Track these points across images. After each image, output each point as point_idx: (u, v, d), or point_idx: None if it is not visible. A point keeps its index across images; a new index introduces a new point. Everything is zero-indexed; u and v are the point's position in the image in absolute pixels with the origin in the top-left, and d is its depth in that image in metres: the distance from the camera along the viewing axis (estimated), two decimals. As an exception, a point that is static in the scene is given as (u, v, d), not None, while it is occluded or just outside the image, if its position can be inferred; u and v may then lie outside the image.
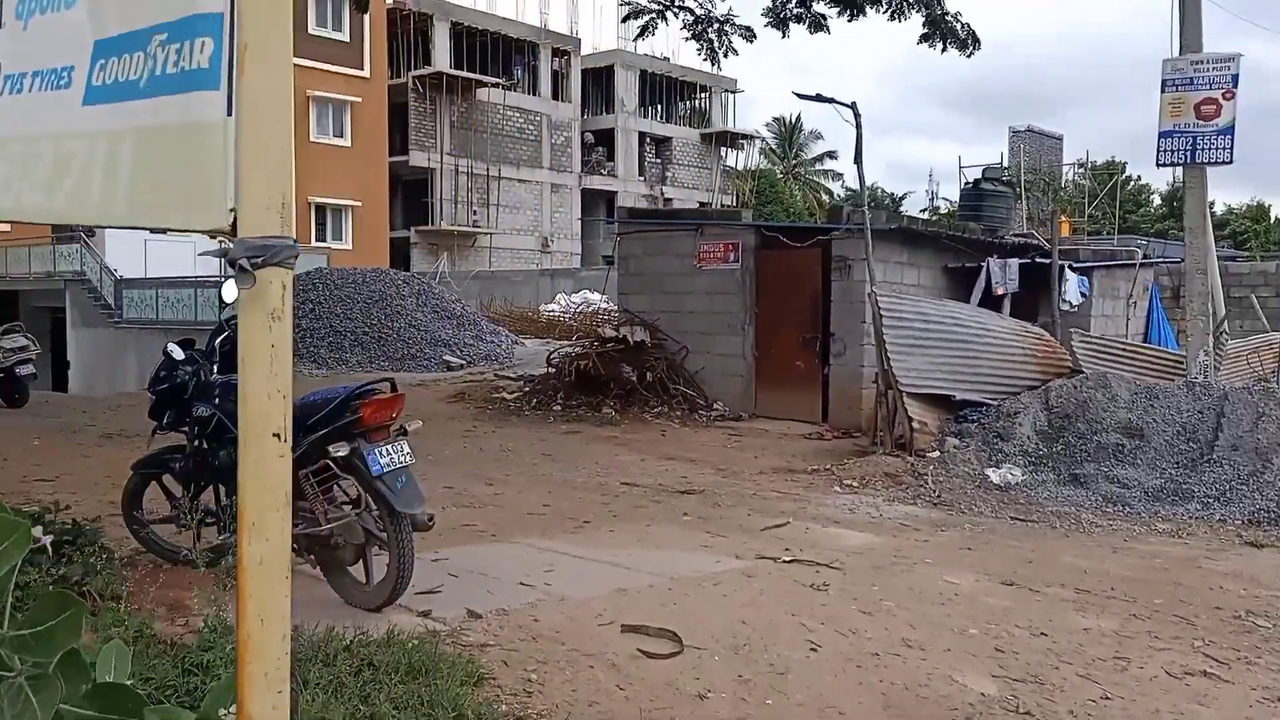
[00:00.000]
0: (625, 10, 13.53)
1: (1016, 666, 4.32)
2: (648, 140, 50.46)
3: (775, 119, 64.90)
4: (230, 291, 5.49)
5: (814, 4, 14.22)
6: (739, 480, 8.85)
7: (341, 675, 3.43)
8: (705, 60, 13.25)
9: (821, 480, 8.87)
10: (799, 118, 63.20)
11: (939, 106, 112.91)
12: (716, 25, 12.80)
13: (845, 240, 11.78)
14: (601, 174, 48.05)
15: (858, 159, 10.14)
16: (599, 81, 49.05)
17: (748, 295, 12.80)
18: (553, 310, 28.38)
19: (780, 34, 14.30)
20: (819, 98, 10.23)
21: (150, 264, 26.11)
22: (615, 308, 16.06)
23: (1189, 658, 4.48)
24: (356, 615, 4.50)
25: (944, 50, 13.45)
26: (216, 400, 5.01)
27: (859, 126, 10.07)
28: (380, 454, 4.40)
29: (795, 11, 14.17)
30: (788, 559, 5.97)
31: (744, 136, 53.99)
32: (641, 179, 49.47)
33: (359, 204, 32.53)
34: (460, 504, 7.37)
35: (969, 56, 13.44)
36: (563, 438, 10.88)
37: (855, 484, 8.64)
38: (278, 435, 1.45)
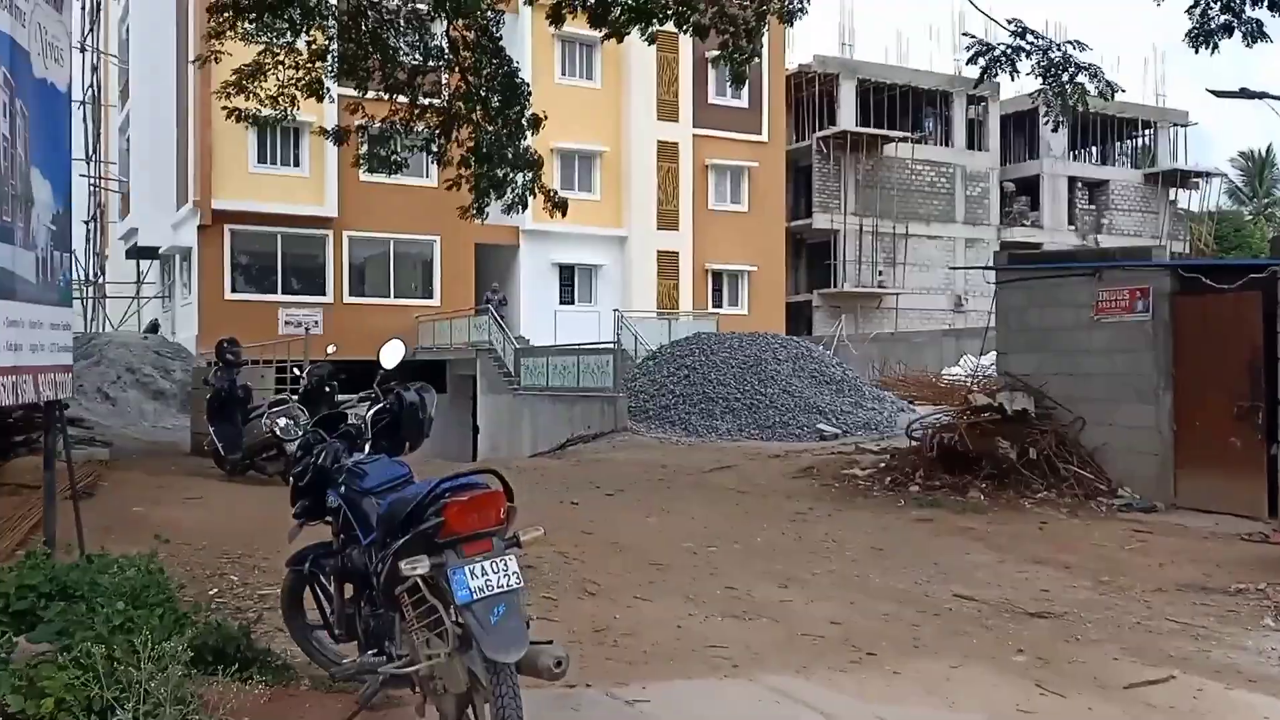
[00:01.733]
0: (968, 52, 11.66)
1: None
2: (1079, 185, 45.86)
3: (1240, 154, 56.51)
4: (392, 355, 4.68)
5: (1245, 9, 11.44)
6: (1123, 599, 6.61)
7: None
8: (1057, 108, 11.06)
9: (1247, 607, 6.37)
10: (1269, 151, 54.45)
11: None
12: (1071, 71, 10.60)
13: (1298, 279, 8.91)
14: (1024, 225, 44.30)
15: (1305, 167, 7.49)
16: (1021, 127, 45.51)
17: (1161, 353, 10.17)
18: (955, 374, 25.92)
19: (1207, 50, 11.78)
20: (1244, 93, 7.76)
21: (560, 331, 27.61)
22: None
23: None
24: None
25: None
26: (342, 489, 4.16)
27: (1307, 124, 7.44)
28: (471, 574, 3.24)
29: (1222, 21, 11.52)
30: (1148, 749, 3.95)
31: (1199, 175, 47.27)
32: (1072, 228, 44.93)
33: (755, 268, 32.32)
34: (728, 613, 6.02)
35: None
36: (907, 527, 9.10)
37: (1302, 618, 6.08)
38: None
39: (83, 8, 30.17)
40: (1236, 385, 9.50)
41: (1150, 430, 10.20)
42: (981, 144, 43.75)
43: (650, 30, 13.66)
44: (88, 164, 30.22)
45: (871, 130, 39.78)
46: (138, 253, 30.06)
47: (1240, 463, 9.42)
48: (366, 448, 4.39)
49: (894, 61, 42.62)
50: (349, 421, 4.59)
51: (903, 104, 41.40)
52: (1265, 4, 11.29)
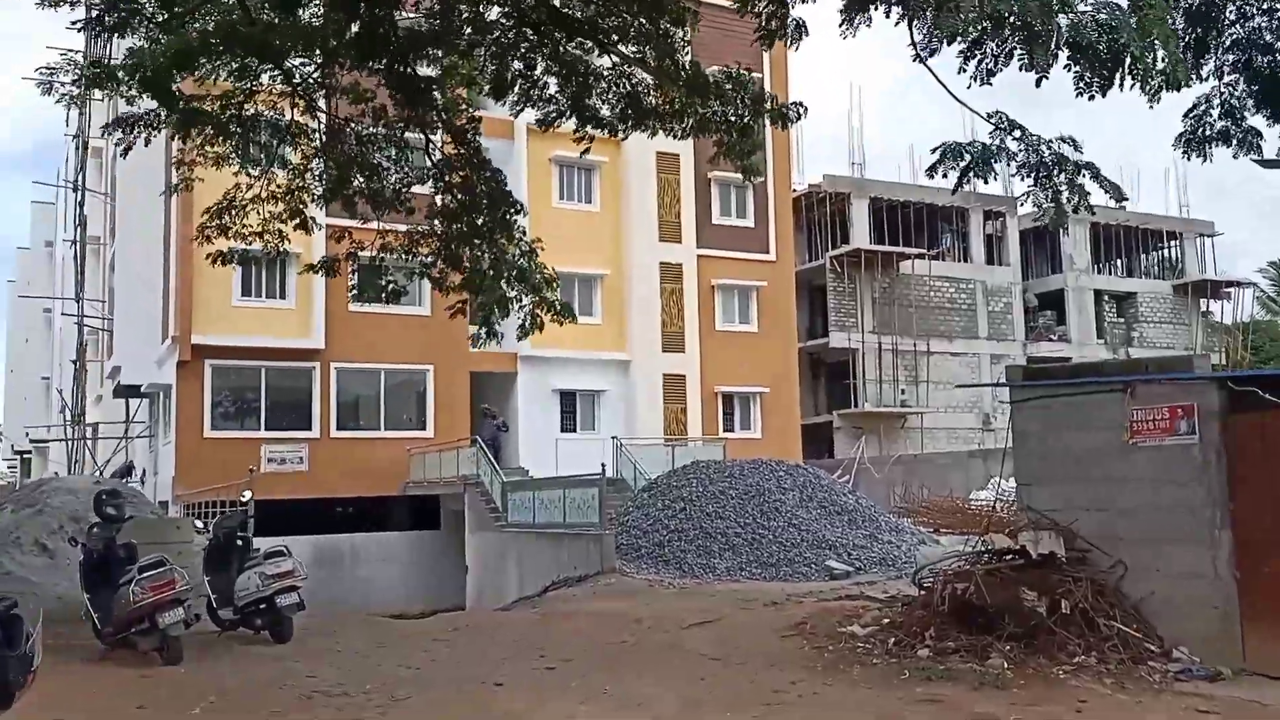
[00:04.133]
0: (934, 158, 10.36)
1: None
2: (1105, 298, 44.40)
3: (1271, 264, 55.06)
4: None
5: (1246, 115, 10.30)
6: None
7: None
8: (1050, 214, 9.71)
9: None
10: (1299, 258, 53.06)
11: None
12: (1069, 171, 9.28)
13: (1378, 389, 7.24)
14: (1051, 339, 42.70)
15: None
16: (1041, 240, 44.47)
17: (1214, 483, 8.41)
18: (982, 499, 23.91)
19: (1199, 159, 10.61)
20: (1296, 161, 6.25)
21: (561, 461, 25.98)
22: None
23: None
24: None
25: None
26: None
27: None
28: None
29: (1220, 128, 10.36)
30: None
31: (1230, 285, 45.79)
32: (1101, 341, 43.31)
33: (767, 390, 30.75)
34: None
35: None
36: (909, 712, 7.24)
37: None
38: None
39: (75, 148, 30.07)
40: (1312, 521, 7.72)
41: (1207, 577, 8.37)
42: (1001, 258, 42.63)
43: (627, 134, 12.52)
44: (77, 303, 29.66)
45: (886, 248, 38.82)
46: (124, 392, 29.04)
47: (1326, 619, 7.56)
48: None
49: (906, 179, 41.92)
50: None
51: (917, 220, 40.48)
52: (1267, 112, 10.09)
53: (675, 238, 30.01)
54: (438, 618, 13.48)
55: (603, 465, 17.88)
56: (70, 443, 27.52)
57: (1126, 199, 10.58)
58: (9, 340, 54.10)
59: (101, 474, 28.00)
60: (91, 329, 32.18)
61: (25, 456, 53.02)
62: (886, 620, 9.75)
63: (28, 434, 47.00)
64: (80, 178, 28.19)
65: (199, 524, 11.16)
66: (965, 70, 8.11)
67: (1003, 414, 40.23)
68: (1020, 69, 7.76)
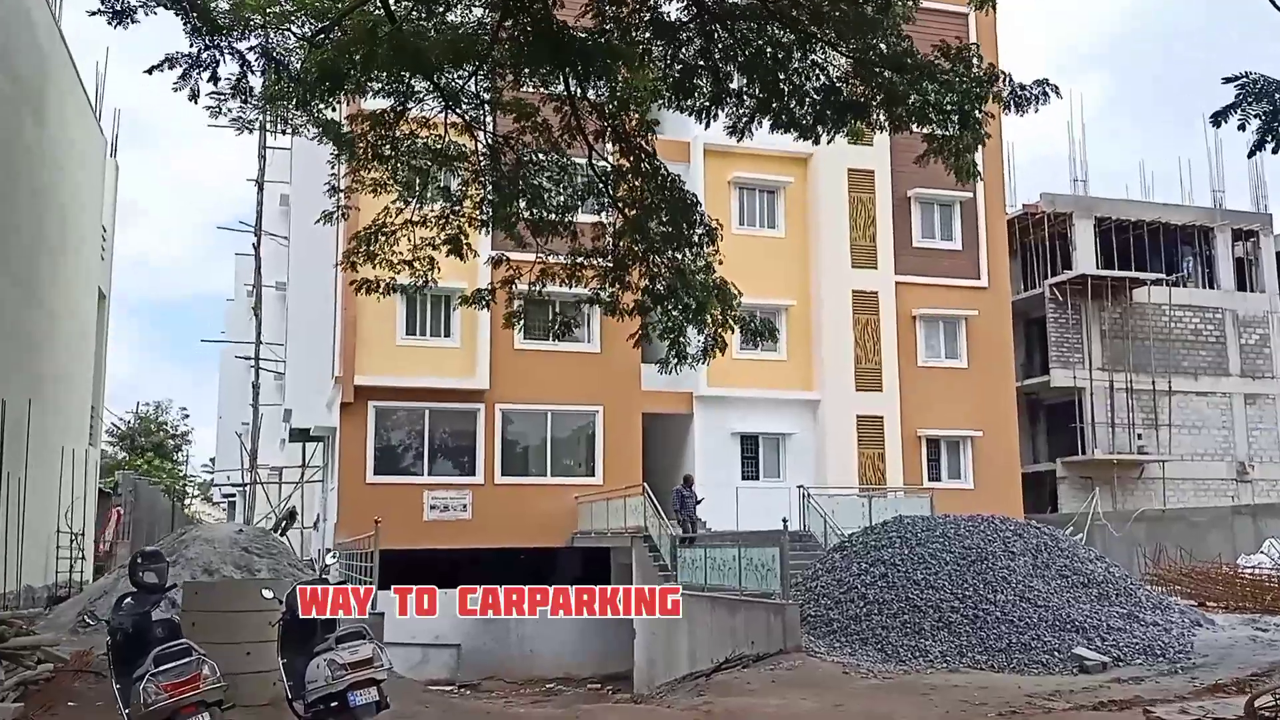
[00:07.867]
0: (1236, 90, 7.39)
1: None
2: (1390, 326, 37.75)
3: None
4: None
5: None
6: None
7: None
8: None
9: None
10: None
11: None
12: None
13: None
14: (1320, 376, 36.58)
15: None
16: (1304, 261, 38.40)
17: None
18: (1258, 564, 19.50)
19: None
20: None
21: (742, 512, 23.37)
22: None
23: None
24: None
25: None
26: None
27: None
28: None
29: None
30: None
31: None
32: (1387, 377, 36.72)
33: (979, 434, 26.93)
34: None
35: None
36: None
37: None
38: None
39: (258, 190, 30.25)
40: None
41: None
42: (1255, 284, 37.03)
43: (831, 135, 10.27)
44: (255, 347, 29.51)
45: (1116, 273, 34.21)
46: (297, 436, 28.48)
47: None
48: None
49: (1137, 196, 37.15)
50: None
51: (1151, 243, 35.68)
52: None
53: (870, 263, 26.91)
54: (568, 713, 11.02)
55: (784, 520, 15.07)
56: (243, 488, 27.08)
57: None
58: (220, 390, 56.48)
59: (276, 517, 27.40)
60: (278, 374, 32.11)
61: (232, 501, 54.98)
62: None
63: (229, 478, 48.39)
64: (257, 219, 28.20)
65: (268, 593, 9.03)
66: None
67: (1261, 463, 34.73)
68: None
